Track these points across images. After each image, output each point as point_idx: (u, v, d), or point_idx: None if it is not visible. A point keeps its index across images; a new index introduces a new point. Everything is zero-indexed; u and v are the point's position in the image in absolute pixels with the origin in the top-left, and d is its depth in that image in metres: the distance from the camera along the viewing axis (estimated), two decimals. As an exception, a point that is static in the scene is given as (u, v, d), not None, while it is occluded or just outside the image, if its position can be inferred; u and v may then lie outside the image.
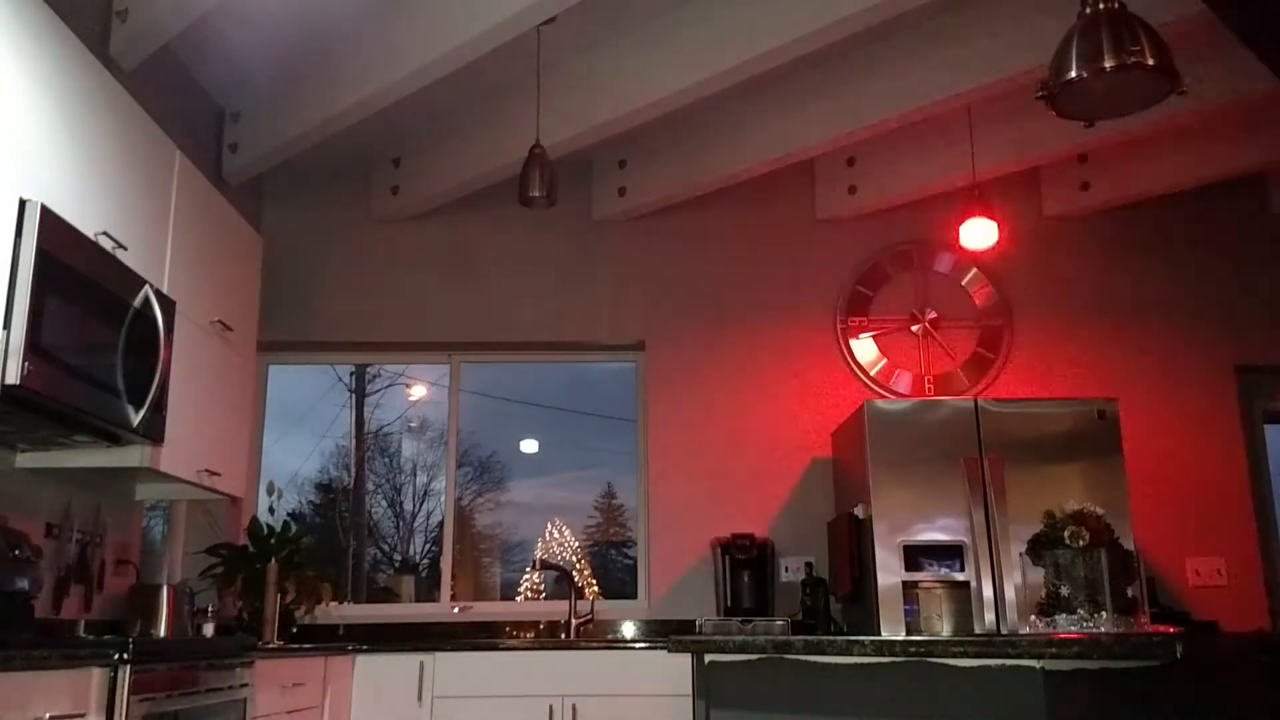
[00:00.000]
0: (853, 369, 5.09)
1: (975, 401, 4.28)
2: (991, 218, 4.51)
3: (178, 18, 3.56)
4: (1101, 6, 2.51)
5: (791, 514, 4.88)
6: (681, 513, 4.91)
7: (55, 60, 2.75)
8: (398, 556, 5.97)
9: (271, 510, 4.71)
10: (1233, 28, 2.66)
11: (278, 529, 4.43)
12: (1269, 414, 5.16)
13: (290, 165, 4.77)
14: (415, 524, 5.93)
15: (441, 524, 5.11)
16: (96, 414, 2.78)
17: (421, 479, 5.84)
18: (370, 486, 5.91)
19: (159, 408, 3.08)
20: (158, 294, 3.09)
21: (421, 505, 5.86)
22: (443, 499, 5.14)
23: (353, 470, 5.88)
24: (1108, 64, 2.45)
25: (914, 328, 5.16)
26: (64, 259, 2.64)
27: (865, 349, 5.12)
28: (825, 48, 3.85)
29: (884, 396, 4.96)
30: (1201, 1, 2.58)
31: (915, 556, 4.08)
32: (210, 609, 3.88)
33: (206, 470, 3.60)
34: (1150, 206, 5.13)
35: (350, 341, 5.19)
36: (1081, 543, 2.83)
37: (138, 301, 2.99)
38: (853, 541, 4.29)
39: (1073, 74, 2.49)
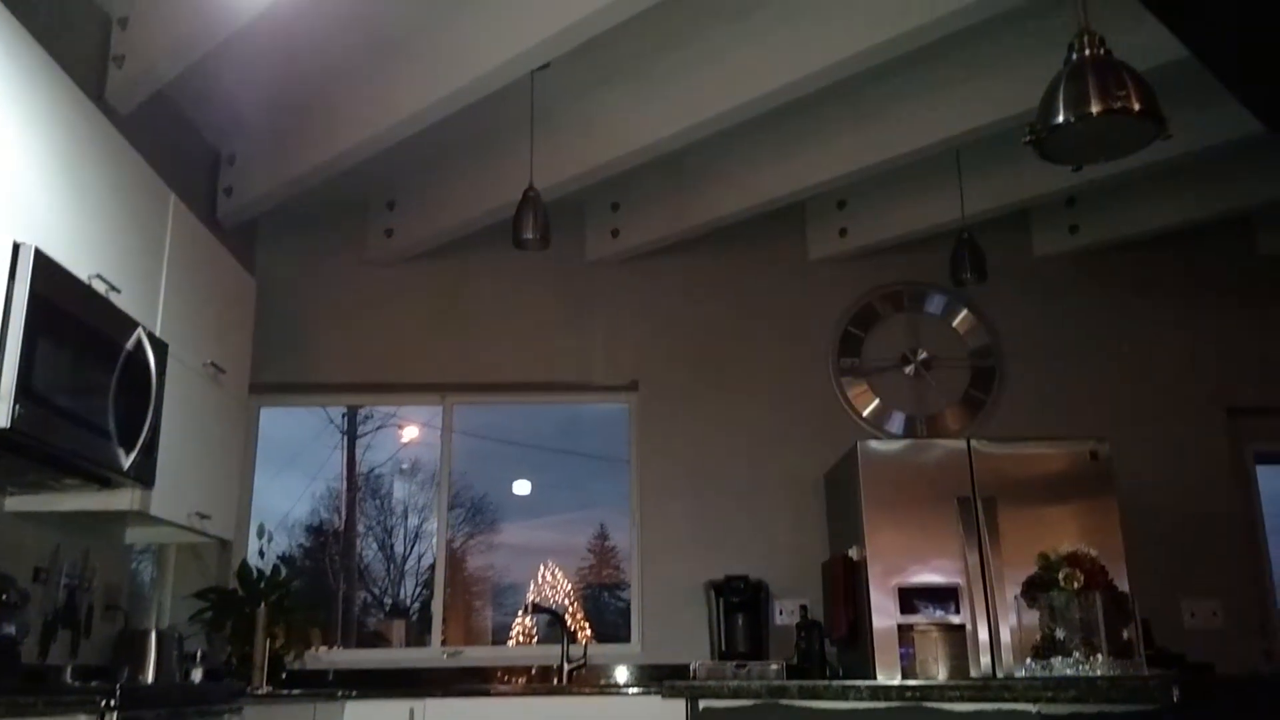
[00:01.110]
0: (845, 409, 5.10)
1: (968, 442, 4.28)
2: (981, 258, 4.55)
3: (173, 63, 3.59)
4: (1088, 53, 2.55)
5: (786, 555, 4.85)
6: (675, 554, 4.89)
7: (51, 104, 2.77)
8: (388, 600, 5.93)
9: (261, 553, 4.67)
10: (1218, 74, 2.70)
11: (267, 572, 4.39)
12: (1260, 455, 5.16)
13: (285, 207, 4.79)
14: (406, 567, 5.89)
15: (433, 567, 5.07)
16: (87, 457, 2.77)
17: (413, 521, 5.82)
18: (361, 529, 5.88)
19: (150, 451, 3.06)
20: (150, 336, 3.08)
21: (413, 548, 5.83)
22: (434, 541, 5.11)
23: (343, 513, 5.84)
24: (1094, 109, 2.48)
25: (906, 368, 5.17)
26: (57, 302, 2.64)
27: (858, 389, 5.13)
28: (815, 93, 3.89)
29: (877, 437, 4.96)
30: (1186, 49, 2.62)
31: (910, 599, 4.06)
32: (199, 654, 3.83)
33: (197, 513, 3.57)
34: (1139, 248, 5.17)
35: (343, 383, 5.18)
36: (1076, 585, 2.82)
37: (130, 344, 2.98)
38: (847, 583, 4.27)
39: (1060, 118, 2.52)
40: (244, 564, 4.46)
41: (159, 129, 4.01)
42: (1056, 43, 2.69)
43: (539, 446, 5.68)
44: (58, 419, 2.62)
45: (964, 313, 5.23)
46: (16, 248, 2.54)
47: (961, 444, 4.28)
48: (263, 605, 4.13)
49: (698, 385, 5.12)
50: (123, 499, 3.16)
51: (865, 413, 5.09)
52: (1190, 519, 4.89)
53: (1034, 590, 3.07)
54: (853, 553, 4.23)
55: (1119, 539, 4.05)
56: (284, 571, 4.48)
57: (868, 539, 4.13)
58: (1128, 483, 4.31)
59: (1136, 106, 2.47)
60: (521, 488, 5.68)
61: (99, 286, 2.91)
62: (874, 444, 4.37)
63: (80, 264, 2.82)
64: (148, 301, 3.27)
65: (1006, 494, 4.16)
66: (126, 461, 2.92)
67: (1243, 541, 4.92)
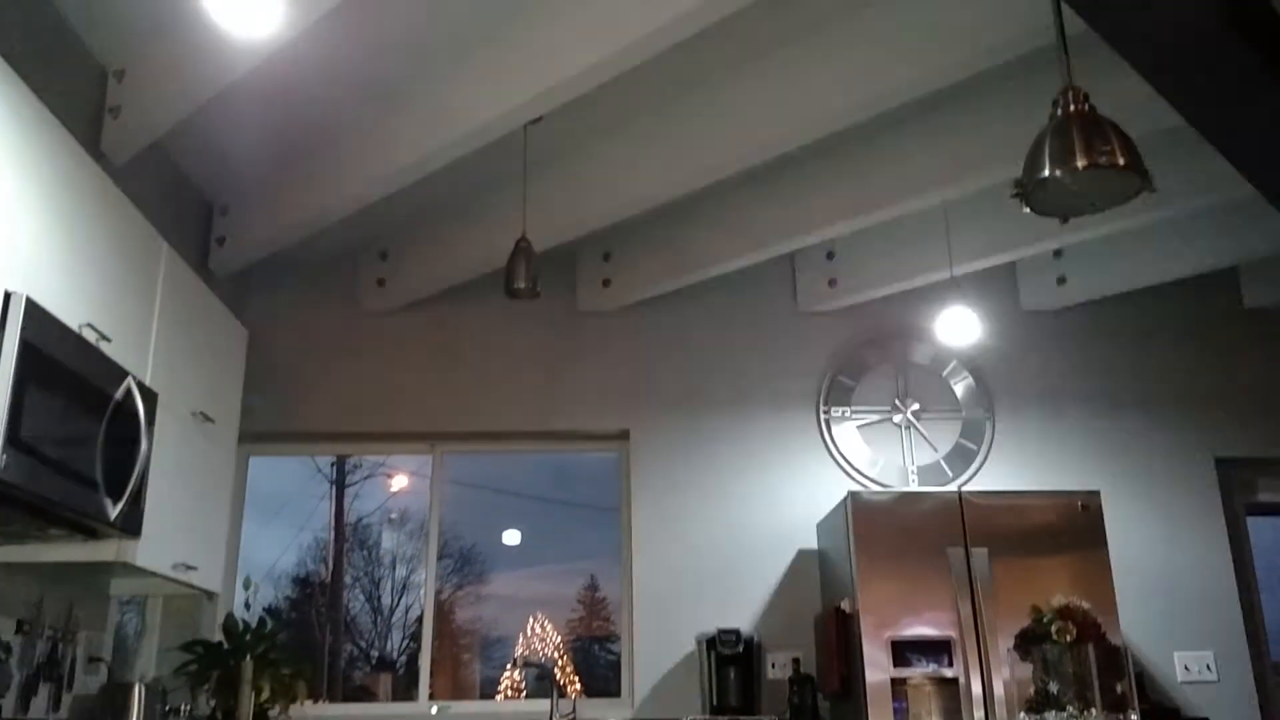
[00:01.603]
0: (836, 459, 5.09)
1: (959, 492, 4.28)
2: (970, 311, 4.59)
3: (169, 114, 3.62)
4: (1073, 109, 2.60)
5: (777, 607, 4.82)
6: (666, 606, 4.85)
7: (46, 154, 2.79)
8: (375, 653, 5.85)
9: (247, 605, 4.62)
10: (1203, 132, 2.75)
11: (253, 624, 4.34)
12: (1250, 506, 5.17)
13: (277, 256, 4.81)
14: (393, 619, 5.82)
15: (420, 619, 5.02)
16: (74, 508, 2.75)
17: (401, 572, 5.76)
18: (348, 580, 5.82)
19: (137, 501, 3.04)
20: (140, 386, 3.08)
21: (400, 599, 5.76)
22: (422, 593, 5.06)
23: (330, 564, 5.79)
24: (1079, 163, 2.51)
25: (896, 418, 5.18)
26: (47, 351, 2.63)
27: (849, 439, 5.13)
28: (805, 146, 3.94)
29: (868, 487, 4.95)
30: (1172, 107, 2.67)
31: (903, 652, 4.03)
32: (183, 708, 3.77)
33: (183, 565, 3.54)
34: (1127, 300, 5.21)
35: (333, 432, 5.16)
36: (1069, 638, 2.81)
37: (119, 393, 2.98)
38: (840, 636, 4.23)
39: (1046, 173, 2.55)
40: (230, 616, 4.40)
41: (153, 179, 4.04)
42: (1041, 99, 2.74)
43: (529, 496, 5.65)
44: (45, 469, 2.61)
45: (953, 363, 5.26)
46: (8, 297, 2.54)
47: (953, 495, 4.27)
48: (248, 658, 4.08)
49: (689, 434, 5.12)
50: (109, 550, 3.13)
51: (856, 462, 5.09)
52: (1182, 571, 4.89)
53: (1027, 643, 3.06)
54: (845, 605, 4.20)
55: (1111, 591, 4.04)
56: (270, 624, 4.42)
57: (859, 591, 4.10)
58: (1119, 533, 4.31)
59: (1121, 161, 2.50)
60: (511, 537, 5.65)
61: (89, 335, 2.91)
62: (865, 494, 4.37)
63: (71, 313, 2.83)
64: (138, 350, 3.27)
65: (998, 545, 4.15)
66: (113, 512, 2.90)
67: (1236, 593, 4.91)
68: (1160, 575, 4.84)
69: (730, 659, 4.54)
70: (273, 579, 5.46)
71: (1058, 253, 5.12)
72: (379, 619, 5.87)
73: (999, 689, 3.95)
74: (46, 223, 2.78)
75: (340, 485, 5.78)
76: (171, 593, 4.00)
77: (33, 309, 2.58)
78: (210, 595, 4.27)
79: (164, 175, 4.27)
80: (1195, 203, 4.24)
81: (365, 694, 5.53)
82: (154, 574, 3.39)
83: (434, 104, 3.84)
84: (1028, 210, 2.70)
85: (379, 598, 5.84)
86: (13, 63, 2.66)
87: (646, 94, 3.96)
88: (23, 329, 2.52)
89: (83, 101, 3.58)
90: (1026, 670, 3.06)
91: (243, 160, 4.41)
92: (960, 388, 5.23)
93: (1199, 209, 4.34)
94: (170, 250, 3.54)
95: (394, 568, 5.79)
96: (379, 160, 4.04)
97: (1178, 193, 4.13)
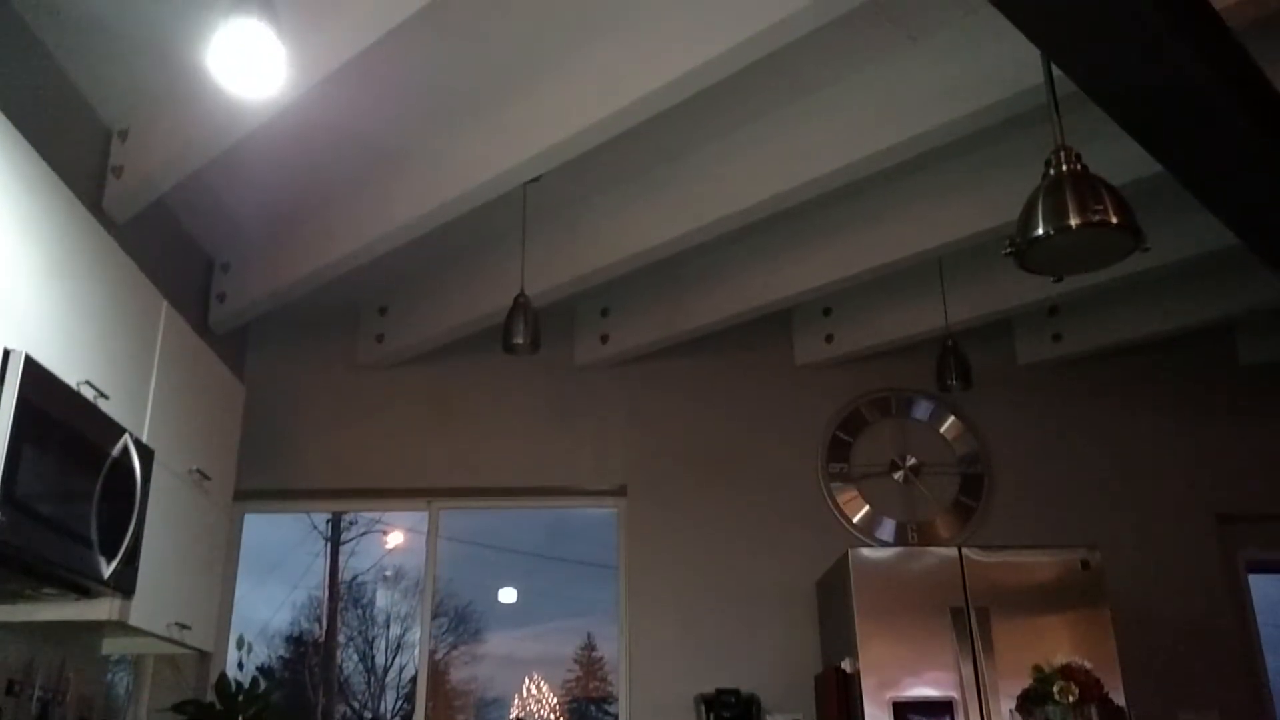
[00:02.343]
0: (836, 516, 5.07)
1: (960, 550, 4.25)
2: (966, 365, 4.60)
3: (171, 174, 3.65)
4: (1065, 168, 2.63)
5: (777, 667, 4.76)
6: (663, 665, 4.79)
7: (49, 213, 2.81)
8: (368, 714, 5.76)
9: (240, 665, 4.56)
10: (1193, 190, 2.78)
11: (246, 684, 4.27)
12: (1252, 564, 5.13)
13: (276, 312, 4.83)
14: (387, 679, 5.74)
15: (415, 679, 4.95)
16: (68, 566, 2.73)
17: (395, 630, 5.69)
18: (342, 639, 5.75)
19: (132, 559, 3.02)
20: (137, 443, 3.07)
21: (394, 659, 5.69)
22: (416, 652, 5.00)
23: (324, 622, 5.73)
24: (1073, 222, 2.54)
25: (895, 474, 5.17)
26: (45, 408, 2.63)
27: (848, 495, 5.12)
28: (801, 204, 3.98)
29: (868, 544, 4.92)
30: (1160, 165, 2.70)
31: (905, 713, 3.97)
32: (172, 772, 3.71)
33: (177, 624, 3.50)
34: (1123, 355, 5.23)
35: (328, 489, 5.14)
36: (1071, 698, 2.78)
37: (116, 450, 2.97)
38: (840, 697, 4.18)
39: (1039, 231, 2.58)
40: (223, 676, 4.34)
41: (154, 237, 4.06)
42: (1034, 156, 2.78)
43: (526, 553, 5.61)
44: (40, 527, 2.59)
45: (951, 419, 5.26)
46: (7, 354, 2.54)
47: (953, 552, 4.25)
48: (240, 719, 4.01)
49: (687, 490, 5.09)
50: (101, 609, 3.10)
51: (855, 519, 5.07)
52: (1184, 628, 4.84)
53: (1029, 704, 3.02)
54: (845, 665, 4.16)
55: (1113, 650, 4.00)
56: (263, 684, 4.36)
57: (860, 650, 4.06)
58: (1120, 591, 4.27)
59: (1114, 220, 2.53)
60: (507, 595, 5.59)
61: (88, 393, 2.91)
62: (865, 552, 4.34)
63: (70, 370, 2.83)
64: (136, 407, 3.26)
65: (999, 604, 4.12)
66: (107, 570, 2.88)
67: (1238, 651, 4.86)
68: (1163, 632, 4.79)
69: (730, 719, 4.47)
70: (266, 638, 5.40)
71: (1053, 309, 5.15)
72: (373, 679, 5.79)
73: (1002, 750, 3.90)
74: (47, 280, 2.80)
75: (335, 542, 5.74)
76: (164, 652, 3.94)
77: (31, 366, 2.58)
78: (203, 654, 4.22)
79: (166, 233, 4.30)
80: (1188, 256, 4.27)
81: (358, 756, 5.44)
82: (147, 633, 3.36)
83: (433, 164, 3.89)
84: (1022, 268, 2.73)
85: (373, 657, 5.77)
86: (18, 122, 2.69)
87: (644, 152, 4.01)
88: (21, 386, 2.52)
89: (86, 160, 3.62)
90: (1030, 731, 3.02)
91: (244, 218, 4.44)
92: (959, 443, 5.23)
93: (1192, 263, 4.38)
94: (170, 308, 3.55)
95: (388, 626, 5.73)
96: (379, 218, 4.07)
97: (1171, 246, 4.17)
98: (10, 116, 2.66)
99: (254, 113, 3.26)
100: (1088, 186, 2.57)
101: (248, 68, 2.53)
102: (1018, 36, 2.27)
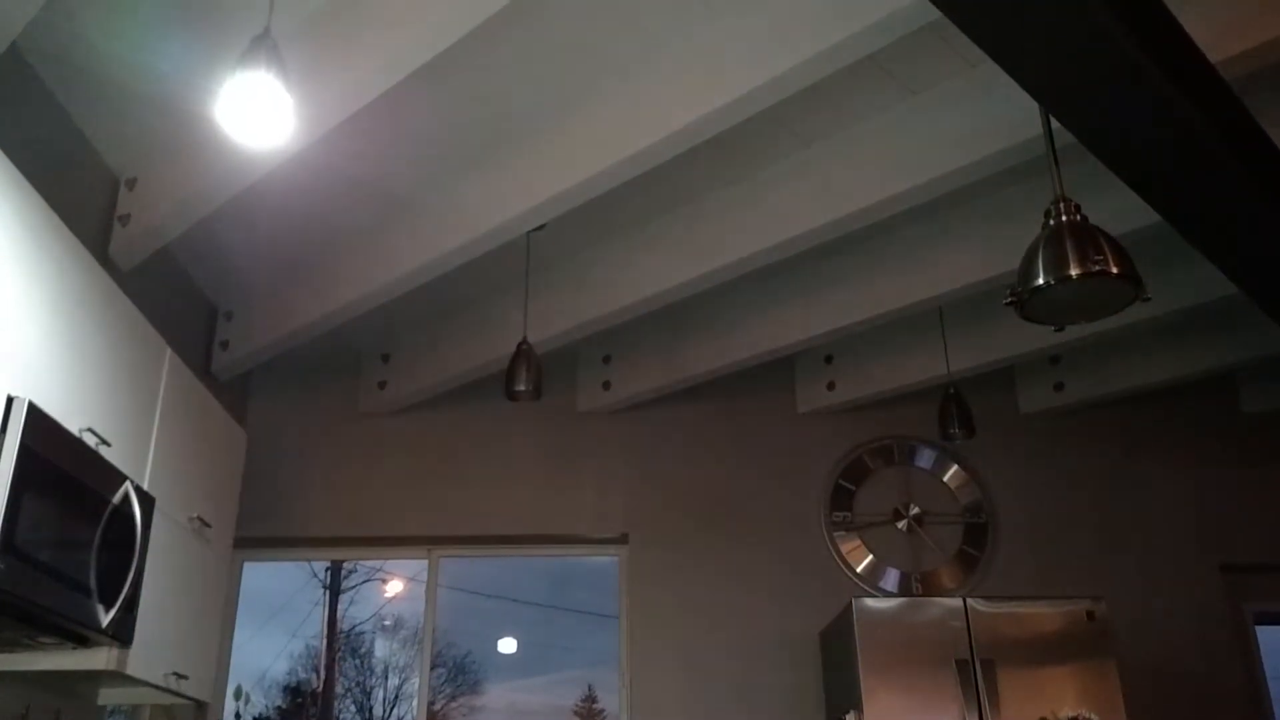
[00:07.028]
0: (839, 565, 5.03)
1: (965, 600, 4.21)
2: (968, 414, 4.58)
3: (178, 222, 3.68)
4: (1065, 219, 2.65)
5: (781, 718, 4.69)
6: (665, 717, 4.72)
7: (54, 261, 2.83)
8: (366, 767, 5.68)
9: (238, 716, 4.50)
10: (1193, 242, 2.80)
11: (243, 736, 4.22)
12: (1259, 615, 5.08)
13: (279, 359, 4.83)
14: (385, 731, 5.67)
15: (414, 730, 4.88)
16: (67, 615, 2.70)
17: (393, 681, 5.62)
18: (340, 690, 5.68)
19: (130, 608, 2.99)
20: (138, 490, 3.06)
21: (392, 710, 5.61)
22: (414, 703, 4.94)
23: (322, 672, 5.66)
24: (1073, 272, 2.55)
25: (899, 523, 5.14)
26: (46, 456, 2.62)
27: (851, 544, 5.08)
28: (802, 252, 4.00)
29: (872, 594, 4.88)
30: (1159, 215, 2.72)
31: (910, 766, 3.92)
32: (166, 826, 3.65)
33: (174, 674, 3.46)
34: (1125, 404, 5.22)
35: (328, 537, 5.11)
36: (1081, 752, 2.74)
37: (117, 498, 2.95)
38: (844, 749, 4.12)
39: (1040, 281, 2.59)
40: (219, 727, 4.29)
41: (159, 285, 4.08)
42: (1034, 206, 2.79)
43: (526, 602, 5.56)
44: (39, 575, 2.57)
45: (954, 468, 5.24)
46: (10, 401, 2.54)
47: (958, 603, 4.21)
48: (236, 772, 3.96)
49: (689, 538, 5.06)
50: (99, 658, 3.06)
51: (859, 569, 5.03)
52: (1191, 679, 4.78)
53: (1037, 757, 2.97)
54: (851, 717, 4.10)
55: (1120, 701, 3.95)
56: (260, 735, 4.31)
57: (865, 703, 4.00)
58: (1126, 641, 4.23)
59: (1114, 270, 2.54)
60: (507, 646, 5.53)
61: (90, 440, 2.90)
62: (869, 602, 4.29)
63: (72, 417, 2.83)
64: (137, 455, 3.25)
65: (1005, 655, 4.07)
66: (106, 619, 2.85)
67: (1246, 702, 4.80)
68: (1169, 684, 4.72)
69: (732, 773, 4.40)
70: (263, 687, 5.33)
71: (1055, 358, 5.15)
72: (370, 731, 5.71)
73: (1009, 805, 3.83)
74: (52, 328, 2.80)
75: (335, 591, 5.69)
76: (161, 702, 3.90)
77: (34, 413, 2.58)
78: (200, 705, 4.17)
79: (170, 280, 4.32)
80: (1190, 305, 4.27)
81: (355, 810, 5.34)
82: (145, 683, 3.32)
83: (437, 212, 3.92)
84: (1023, 317, 2.74)
85: (371, 708, 5.69)
86: (26, 170, 2.71)
87: (646, 201, 4.04)
88: (24, 434, 2.52)
89: (93, 208, 3.64)
90: (1037, 786, 2.97)
91: (248, 266, 4.47)
92: (962, 492, 5.20)
93: (1194, 312, 4.39)
94: (173, 356, 3.55)
95: (386, 677, 5.66)
96: (382, 266, 4.09)
97: (1172, 296, 4.18)
98: (18, 164, 2.68)
99: (260, 162, 3.29)
100: (1088, 237, 2.58)
101: (255, 119, 2.56)
102: (1017, 89, 2.30)
